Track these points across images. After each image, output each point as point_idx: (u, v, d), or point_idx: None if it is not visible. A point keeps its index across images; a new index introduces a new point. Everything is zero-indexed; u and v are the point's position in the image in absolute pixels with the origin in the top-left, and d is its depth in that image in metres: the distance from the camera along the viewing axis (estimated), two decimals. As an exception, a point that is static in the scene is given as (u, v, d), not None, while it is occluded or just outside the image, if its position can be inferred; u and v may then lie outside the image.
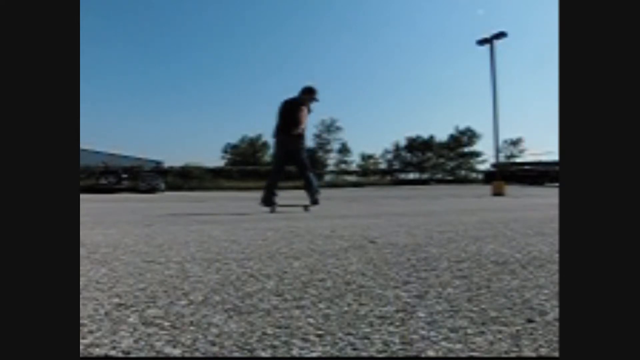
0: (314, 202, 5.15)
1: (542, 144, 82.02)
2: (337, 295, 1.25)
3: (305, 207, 5.11)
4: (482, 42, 14.80)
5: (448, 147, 47.03)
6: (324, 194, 6.28)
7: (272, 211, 4.94)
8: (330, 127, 45.22)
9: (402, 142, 47.74)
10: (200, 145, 64.45)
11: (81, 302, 1.18)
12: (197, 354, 0.83)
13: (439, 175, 43.71)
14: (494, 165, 24.88)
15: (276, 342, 0.88)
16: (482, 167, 43.60)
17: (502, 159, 35.30)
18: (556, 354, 0.81)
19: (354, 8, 75.32)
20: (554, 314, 1.05)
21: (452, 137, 47.45)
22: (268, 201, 5.04)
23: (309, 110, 5.22)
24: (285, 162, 5.24)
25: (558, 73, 0.83)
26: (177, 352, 0.84)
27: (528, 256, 1.84)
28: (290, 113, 5.07)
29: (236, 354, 0.82)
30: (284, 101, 5.25)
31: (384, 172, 42.88)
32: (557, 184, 19.61)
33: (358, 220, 3.86)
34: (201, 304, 1.16)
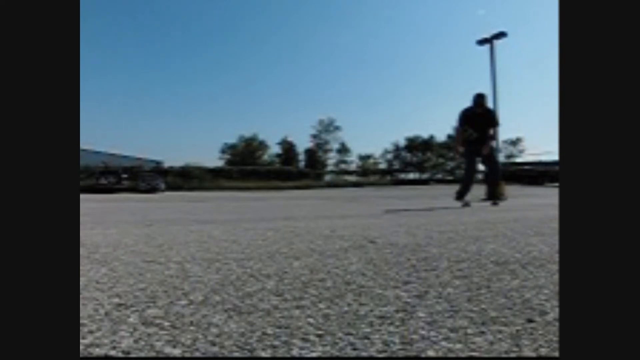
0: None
1: (542, 144, 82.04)
2: (337, 295, 1.25)
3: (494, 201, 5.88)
4: (482, 42, 14.83)
5: (448, 147, 47.08)
6: (323, 193, 6.32)
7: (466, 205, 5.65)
8: (328, 127, 45.26)
9: (402, 142, 47.86)
10: (200, 145, 64.63)
11: (81, 302, 1.18)
12: (197, 354, 0.83)
13: (439, 175, 43.80)
14: (493, 165, 24.82)
15: (276, 342, 0.88)
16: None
17: (501, 158, 35.31)
18: (556, 354, 0.81)
19: (354, 8, 75.31)
20: (554, 314, 1.05)
21: (450, 137, 47.49)
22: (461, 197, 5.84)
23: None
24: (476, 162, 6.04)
25: (558, 73, 0.83)
26: (177, 352, 0.84)
27: (528, 256, 1.84)
28: (486, 125, 5.93)
29: (236, 354, 0.82)
30: (474, 111, 5.89)
31: (383, 172, 42.98)
32: (557, 184, 19.60)
33: (358, 220, 3.86)
34: (201, 304, 1.16)
